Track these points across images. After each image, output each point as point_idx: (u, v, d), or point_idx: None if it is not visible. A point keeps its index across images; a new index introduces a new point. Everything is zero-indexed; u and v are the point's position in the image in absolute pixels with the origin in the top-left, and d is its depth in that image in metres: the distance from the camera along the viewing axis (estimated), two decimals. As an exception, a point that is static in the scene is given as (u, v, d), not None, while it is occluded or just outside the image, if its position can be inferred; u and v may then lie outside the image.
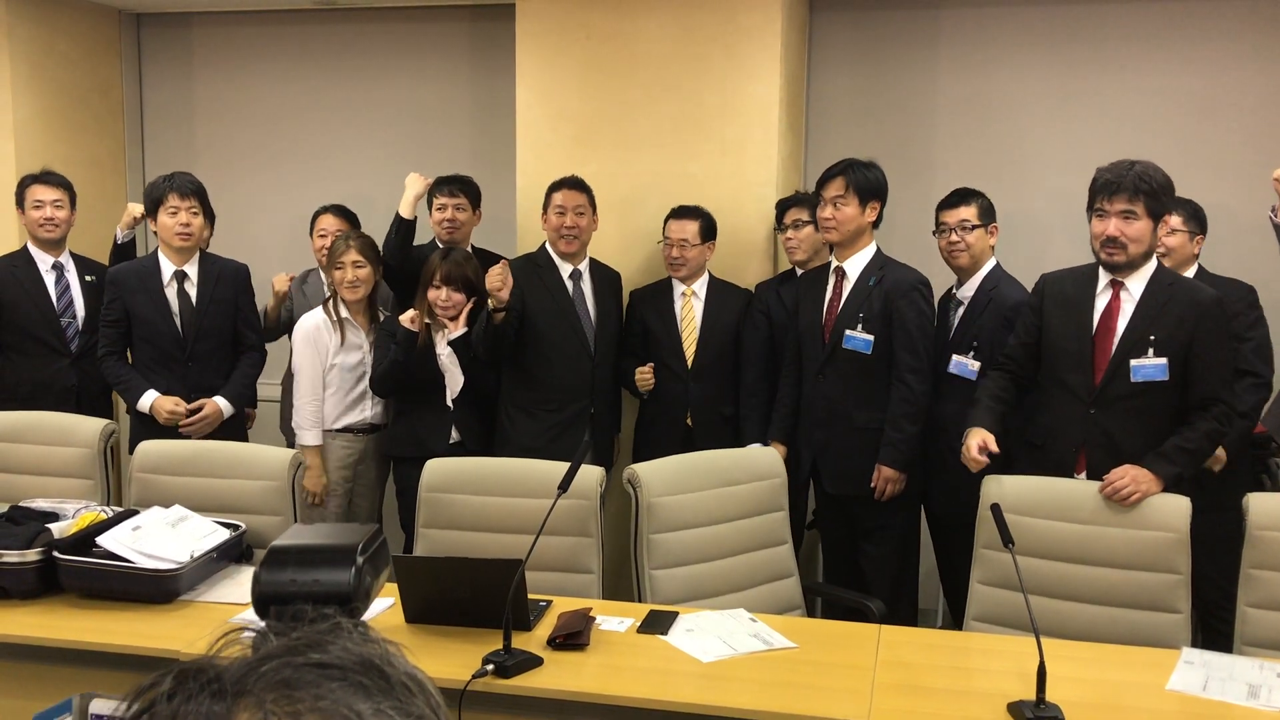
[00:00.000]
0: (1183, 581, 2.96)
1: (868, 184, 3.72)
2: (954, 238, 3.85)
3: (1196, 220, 3.89)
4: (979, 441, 3.16)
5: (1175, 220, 3.80)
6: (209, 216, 4.77)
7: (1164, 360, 3.12)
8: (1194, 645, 2.87)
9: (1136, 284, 3.19)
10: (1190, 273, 3.76)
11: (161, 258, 4.08)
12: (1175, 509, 3.00)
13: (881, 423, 3.71)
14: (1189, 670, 2.59)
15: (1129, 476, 3.02)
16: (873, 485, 3.72)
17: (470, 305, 3.97)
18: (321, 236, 4.52)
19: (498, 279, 3.81)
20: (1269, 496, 3.05)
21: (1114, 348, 3.18)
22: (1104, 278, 3.23)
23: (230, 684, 0.63)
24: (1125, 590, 2.99)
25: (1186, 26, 4.66)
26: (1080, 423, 3.23)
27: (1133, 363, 3.15)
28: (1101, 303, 3.23)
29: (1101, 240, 3.16)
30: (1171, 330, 3.12)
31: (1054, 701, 2.35)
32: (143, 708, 0.64)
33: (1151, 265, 3.19)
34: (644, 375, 4.11)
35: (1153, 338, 3.13)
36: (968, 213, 3.85)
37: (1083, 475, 3.20)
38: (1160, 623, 2.95)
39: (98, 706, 1.60)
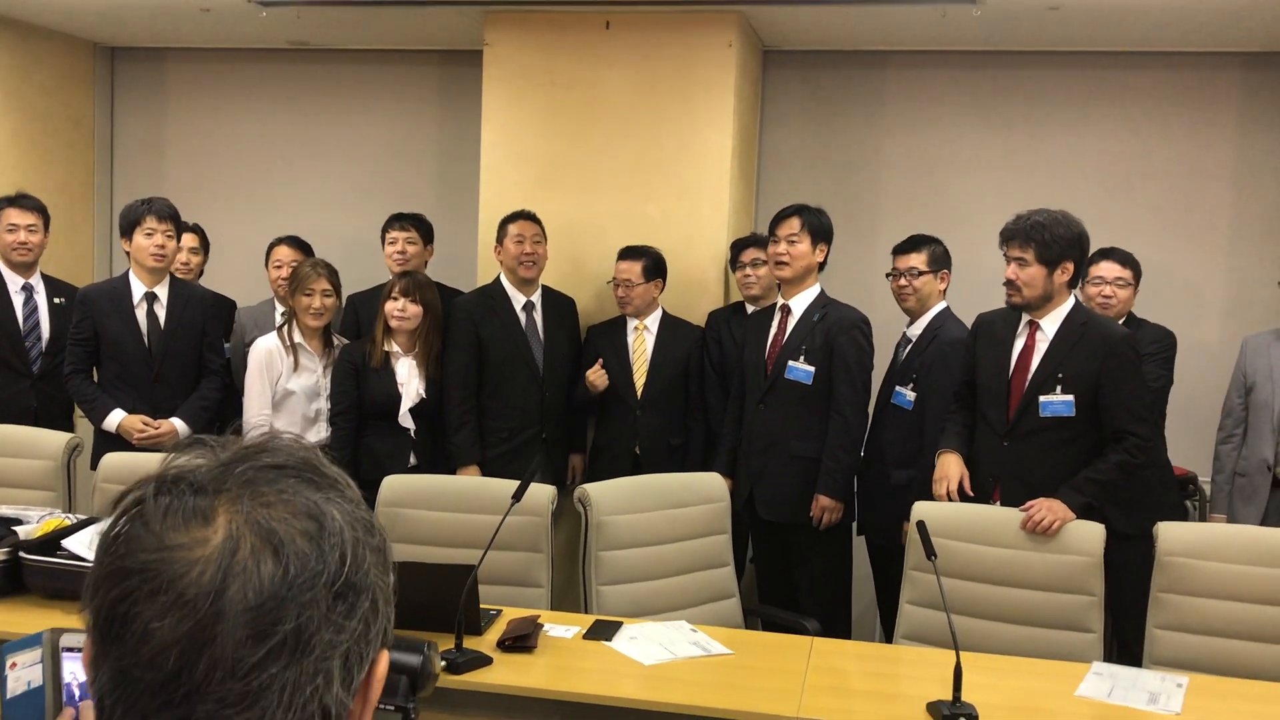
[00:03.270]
0: (1096, 603, 3.16)
1: (820, 227, 3.96)
2: (902, 282, 4.08)
3: (1139, 276, 4.14)
4: (956, 477, 3.43)
5: (1127, 274, 4.07)
6: (205, 247, 4.92)
7: (1070, 397, 3.34)
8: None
9: (1051, 324, 3.42)
10: (1121, 320, 4.02)
11: (133, 278, 4.20)
12: (1090, 535, 3.20)
13: (817, 453, 3.90)
14: (1097, 680, 2.78)
15: (1045, 508, 3.22)
16: (811, 515, 3.89)
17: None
18: (277, 267, 4.65)
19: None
20: (1178, 525, 3.26)
21: (1026, 384, 3.41)
22: (1024, 318, 3.46)
23: (208, 483, 0.78)
24: (1043, 610, 3.18)
25: (1118, 93, 5.01)
26: (995, 454, 3.45)
27: (1041, 399, 3.37)
28: (1020, 342, 3.47)
29: (1004, 283, 3.44)
30: (1081, 368, 3.34)
31: (970, 702, 2.52)
32: (131, 505, 0.78)
33: (1067, 306, 3.42)
34: (595, 372, 4.29)
35: (1061, 375, 3.35)
36: (917, 260, 4.08)
37: (998, 503, 3.40)
38: (1075, 641, 3.14)
39: (68, 640, 1.73)
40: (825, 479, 3.88)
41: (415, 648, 0.94)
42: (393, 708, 0.87)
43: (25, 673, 1.71)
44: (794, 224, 3.94)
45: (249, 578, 0.74)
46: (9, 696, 1.69)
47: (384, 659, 0.83)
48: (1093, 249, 4.02)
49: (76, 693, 1.68)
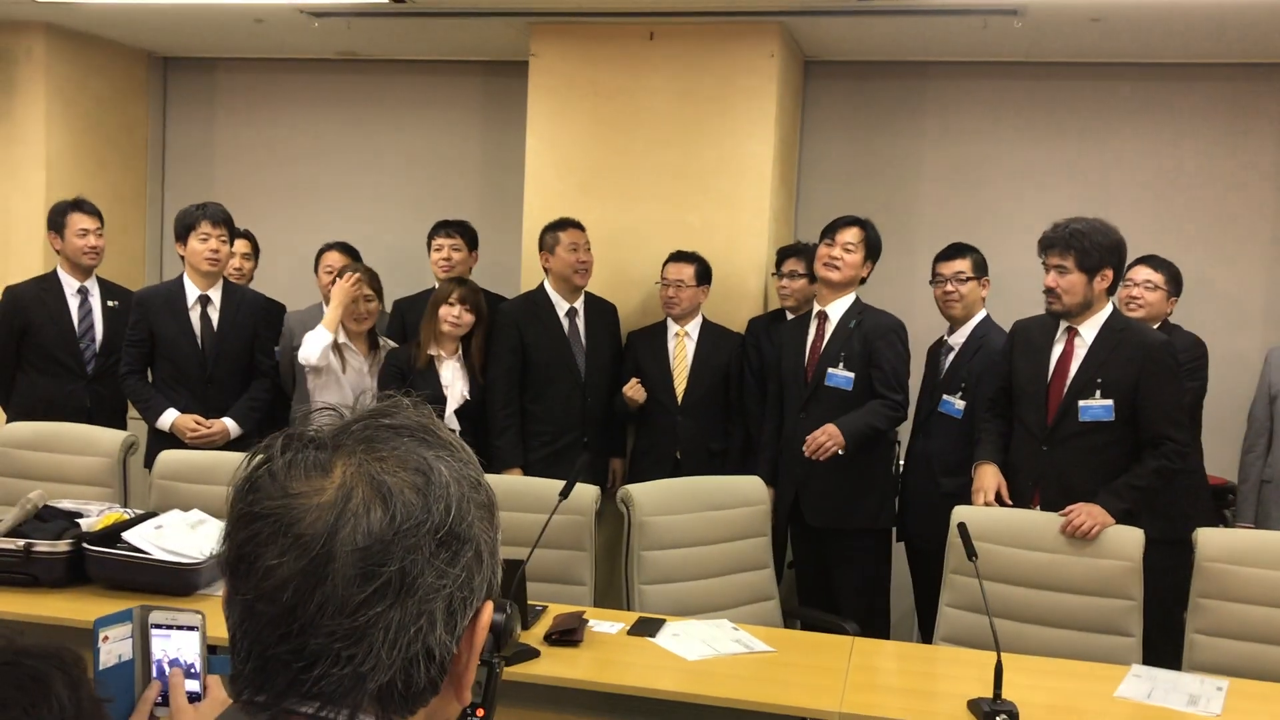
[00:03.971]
0: (1135, 607, 3.18)
1: (876, 244, 4.05)
2: (949, 288, 4.12)
3: (1175, 282, 4.17)
4: (993, 488, 3.47)
5: (1157, 278, 4.09)
6: (255, 253, 5.05)
7: (1110, 402, 3.37)
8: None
9: (1089, 330, 3.46)
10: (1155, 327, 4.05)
11: (187, 282, 4.32)
12: (1129, 540, 3.23)
13: (861, 456, 3.92)
14: (1136, 682, 2.81)
15: (1084, 513, 3.25)
16: (809, 436, 3.82)
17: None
18: (328, 272, 4.76)
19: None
20: (1216, 531, 3.29)
21: (1065, 389, 3.44)
22: (1062, 325, 3.50)
23: (329, 440, 0.87)
24: (1082, 614, 3.21)
25: (1158, 104, 5.03)
26: (1034, 459, 3.48)
27: (1080, 403, 3.41)
28: (1058, 348, 3.50)
29: (1044, 290, 3.47)
30: (1119, 373, 3.38)
31: (1010, 700, 2.56)
32: (263, 460, 0.87)
33: (1105, 312, 3.46)
34: (632, 386, 4.33)
35: (1100, 380, 3.39)
36: (962, 265, 4.13)
37: (1038, 508, 3.43)
38: (1114, 644, 3.16)
39: (156, 617, 1.82)
40: (849, 420, 3.84)
41: (498, 606, 1.00)
42: (479, 662, 0.93)
43: (117, 646, 1.80)
44: (855, 233, 4.00)
45: (359, 523, 0.82)
46: (101, 668, 1.77)
47: (488, 609, 0.90)
48: (1132, 258, 4.06)
49: (166, 668, 1.77)
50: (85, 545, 3.13)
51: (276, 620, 0.82)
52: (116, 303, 4.68)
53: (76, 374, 4.61)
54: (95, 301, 4.69)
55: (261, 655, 0.83)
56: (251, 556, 0.83)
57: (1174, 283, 4.17)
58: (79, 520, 3.35)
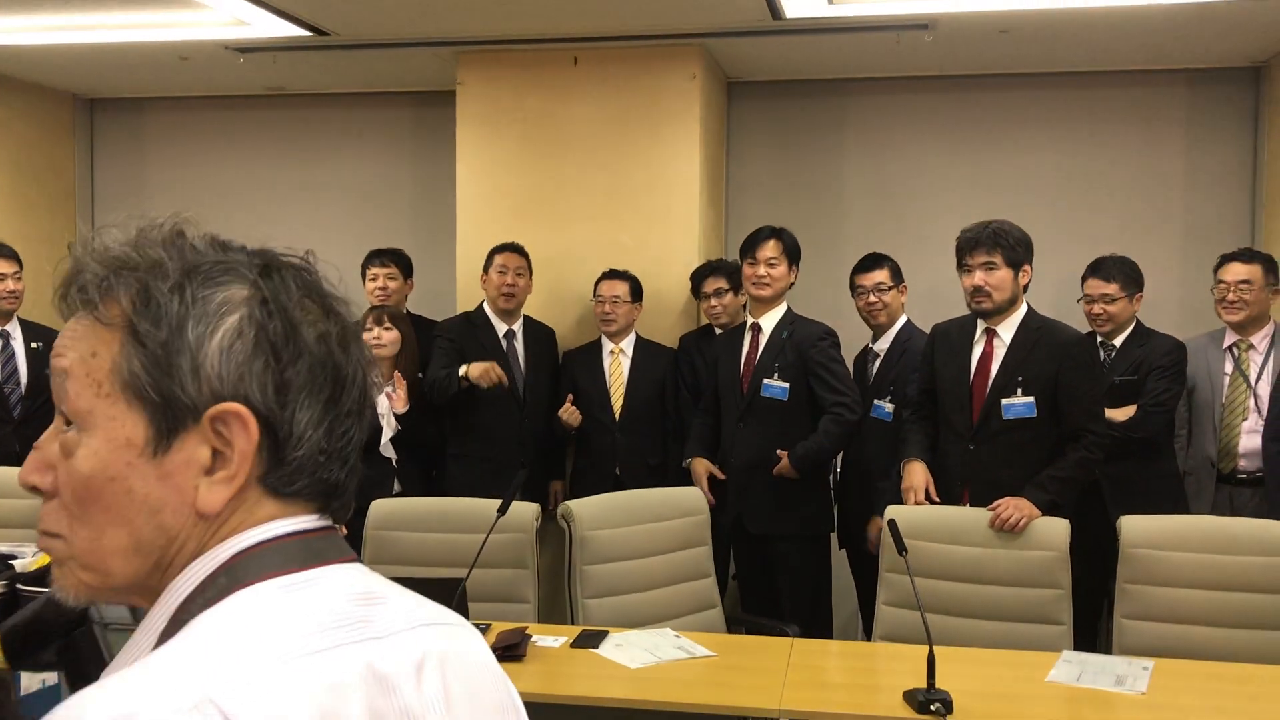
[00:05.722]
0: (1064, 595, 3.28)
1: (795, 249, 4.11)
2: (872, 299, 4.23)
3: (1135, 283, 4.11)
4: (922, 486, 3.54)
5: (1111, 289, 4.04)
6: None
7: (1031, 399, 3.47)
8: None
9: (1007, 330, 3.56)
10: (1128, 330, 4.11)
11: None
12: (1056, 530, 3.32)
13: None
14: (1066, 667, 2.89)
15: (1011, 506, 3.35)
16: (774, 471, 3.94)
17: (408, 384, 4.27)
18: None
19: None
20: (1140, 518, 3.38)
21: (988, 389, 3.54)
22: (980, 325, 3.60)
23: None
24: (1013, 605, 3.30)
25: (1069, 111, 5.21)
26: (962, 458, 3.57)
27: (1003, 402, 3.50)
28: (978, 349, 3.60)
29: (970, 291, 3.54)
30: (1039, 370, 3.48)
31: (945, 689, 2.62)
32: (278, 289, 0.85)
33: (1021, 312, 3.56)
34: (567, 409, 4.38)
35: (1020, 378, 3.49)
36: (881, 276, 4.24)
37: (967, 505, 3.51)
38: (1045, 633, 3.25)
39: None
40: (802, 447, 3.92)
41: None
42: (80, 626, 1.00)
43: (40, 673, 1.80)
44: (774, 247, 4.05)
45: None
46: (23, 693, 1.77)
47: None
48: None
49: None
50: (19, 586, 3.09)
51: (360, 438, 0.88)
52: (39, 344, 4.63)
53: (3, 419, 4.55)
54: (18, 345, 4.65)
55: (346, 468, 0.86)
56: (353, 377, 0.86)
57: (1131, 286, 4.08)
58: (12, 562, 3.31)
